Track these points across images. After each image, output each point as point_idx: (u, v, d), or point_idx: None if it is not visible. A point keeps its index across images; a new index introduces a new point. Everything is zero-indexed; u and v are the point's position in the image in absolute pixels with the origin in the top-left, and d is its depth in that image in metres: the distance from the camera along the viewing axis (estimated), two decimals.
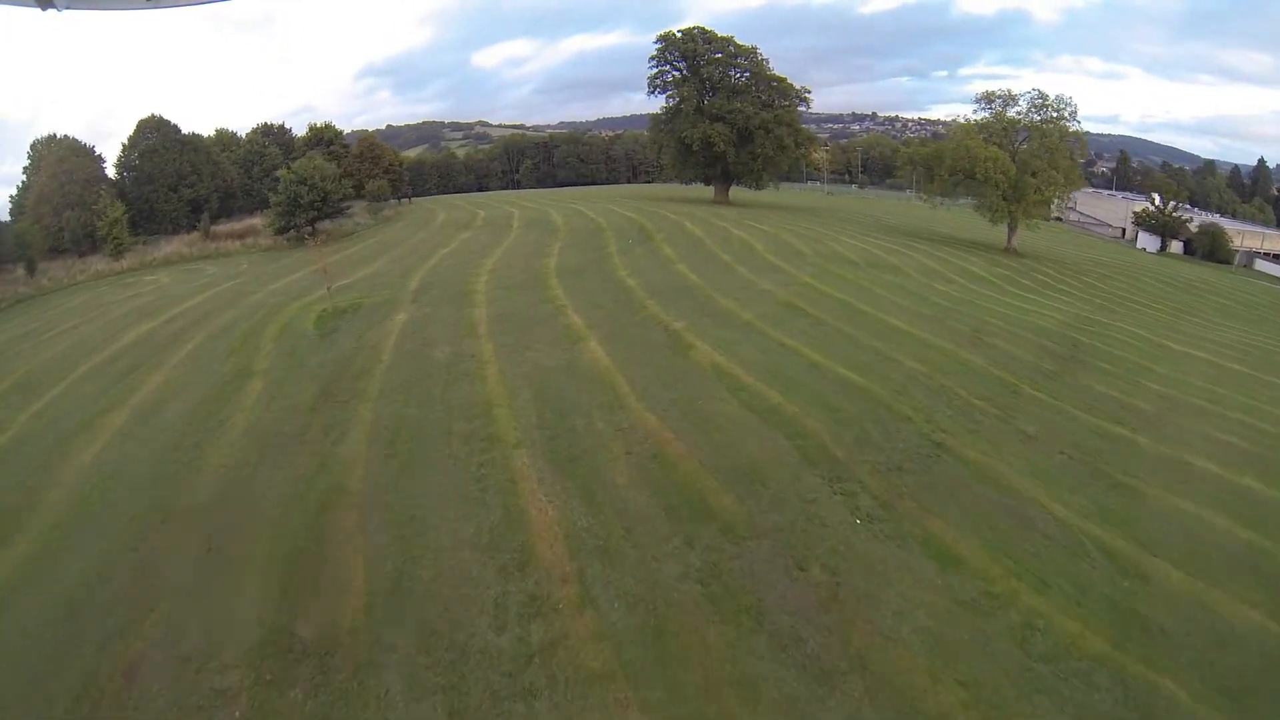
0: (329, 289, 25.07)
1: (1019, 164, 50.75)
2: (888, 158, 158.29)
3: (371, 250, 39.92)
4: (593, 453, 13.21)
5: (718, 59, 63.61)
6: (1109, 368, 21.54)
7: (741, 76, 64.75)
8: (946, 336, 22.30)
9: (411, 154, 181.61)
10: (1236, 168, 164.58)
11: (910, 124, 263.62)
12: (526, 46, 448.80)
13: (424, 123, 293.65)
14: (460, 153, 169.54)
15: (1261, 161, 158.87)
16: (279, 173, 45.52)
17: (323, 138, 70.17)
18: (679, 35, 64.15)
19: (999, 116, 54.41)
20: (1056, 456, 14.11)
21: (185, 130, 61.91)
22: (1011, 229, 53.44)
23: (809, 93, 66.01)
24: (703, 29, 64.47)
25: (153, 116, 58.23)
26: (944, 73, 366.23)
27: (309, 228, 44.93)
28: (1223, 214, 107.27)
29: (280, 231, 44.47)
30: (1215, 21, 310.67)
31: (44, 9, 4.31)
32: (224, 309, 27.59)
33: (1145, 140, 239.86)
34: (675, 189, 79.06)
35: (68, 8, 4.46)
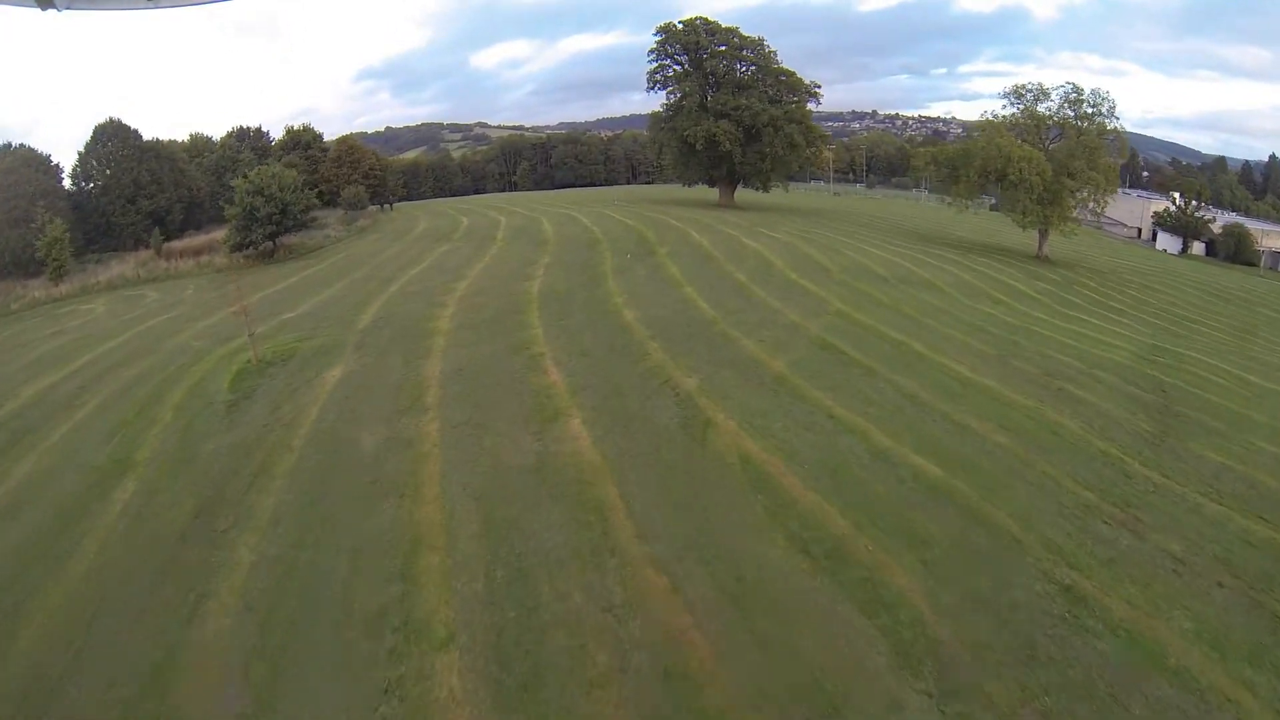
0: (249, 336, 19.70)
1: (1055, 165, 45.40)
2: (892, 156, 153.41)
3: (332, 270, 34.59)
4: (563, 666, 7.92)
5: (722, 51, 58.22)
6: (1210, 421, 16.70)
7: (747, 70, 59.31)
8: (1019, 385, 17.43)
9: (409, 156, 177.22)
10: (1247, 164, 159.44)
11: (911, 121, 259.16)
12: (525, 47, 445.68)
13: (423, 124, 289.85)
14: (456, 154, 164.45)
15: (1274, 157, 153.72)
16: (234, 182, 40.11)
17: (299, 141, 64.84)
18: (680, 26, 58.77)
19: (1029, 113, 49.17)
20: (1217, 593, 9.41)
21: (163, 136, 56.83)
22: (1043, 235, 48.44)
23: (819, 88, 60.58)
24: (705, 19, 59.09)
25: (110, 121, 52.94)
26: (943, 70, 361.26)
27: (269, 243, 39.60)
28: (1236, 211, 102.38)
29: (236, 249, 39.06)
30: (1214, 17, 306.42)
31: (44, 9, 4.52)
32: (138, 357, 22.68)
33: (1146, 136, 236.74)
34: (676, 190, 73.59)
35: (68, 8, 4.65)
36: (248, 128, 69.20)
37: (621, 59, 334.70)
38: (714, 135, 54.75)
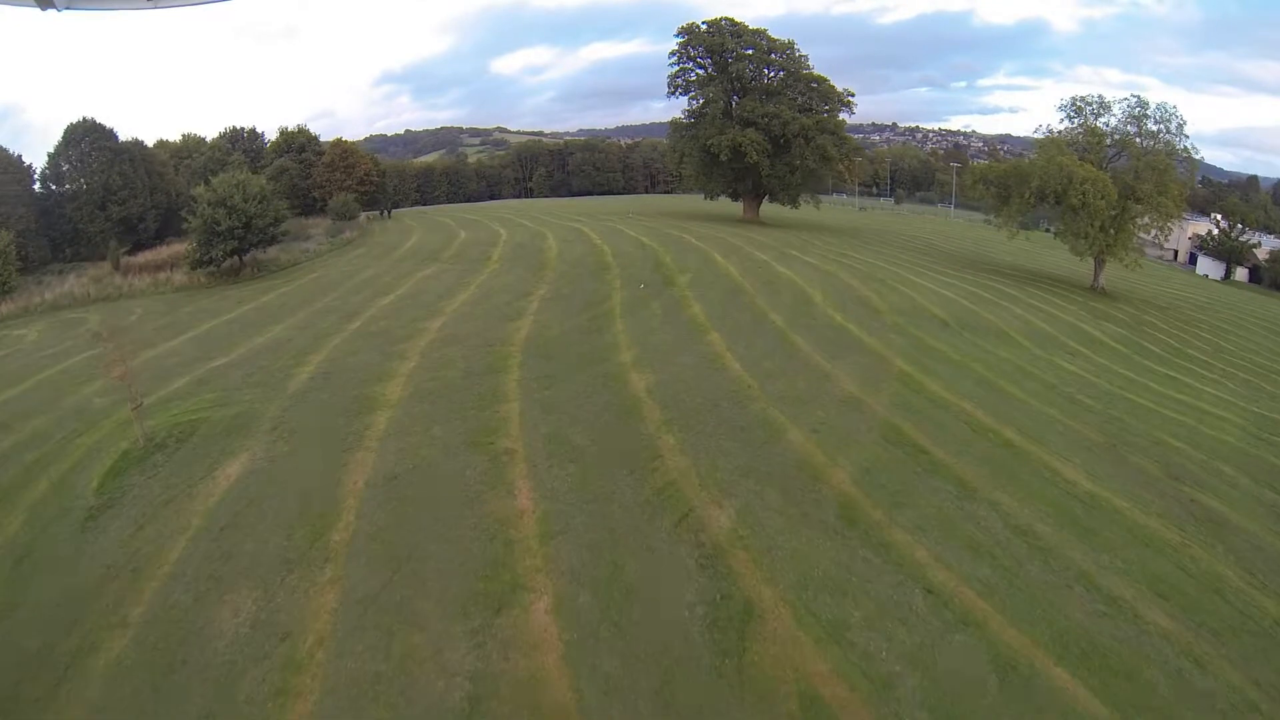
0: (135, 409, 14.70)
1: (1120, 187, 40.13)
2: (916, 170, 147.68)
3: (296, 295, 29.66)
4: None
5: (748, 55, 52.96)
6: None
7: (776, 76, 54.09)
8: (1149, 498, 13.08)
9: (428, 159, 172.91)
10: None
11: (931, 134, 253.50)
12: (546, 54, 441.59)
13: (442, 128, 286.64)
14: (473, 159, 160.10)
15: None
16: (195, 190, 35.22)
17: (293, 143, 60.19)
18: (703, 28, 53.67)
19: (1089, 129, 43.82)
20: None
21: (169, 137, 52.31)
22: (1099, 264, 43.16)
23: (852, 97, 55.19)
24: (731, 20, 53.99)
25: (84, 121, 48.35)
26: (963, 83, 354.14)
27: (235, 258, 34.79)
28: (1270, 233, 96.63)
29: (197, 265, 34.21)
30: (1234, 32, 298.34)
31: (44, 9, 4.45)
32: (29, 416, 18.14)
33: None
34: (696, 202, 68.42)
35: (68, 8, 4.58)
36: (241, 128, 64.73)
37: (642, 67, 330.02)
38: (740, 145, 49.58)
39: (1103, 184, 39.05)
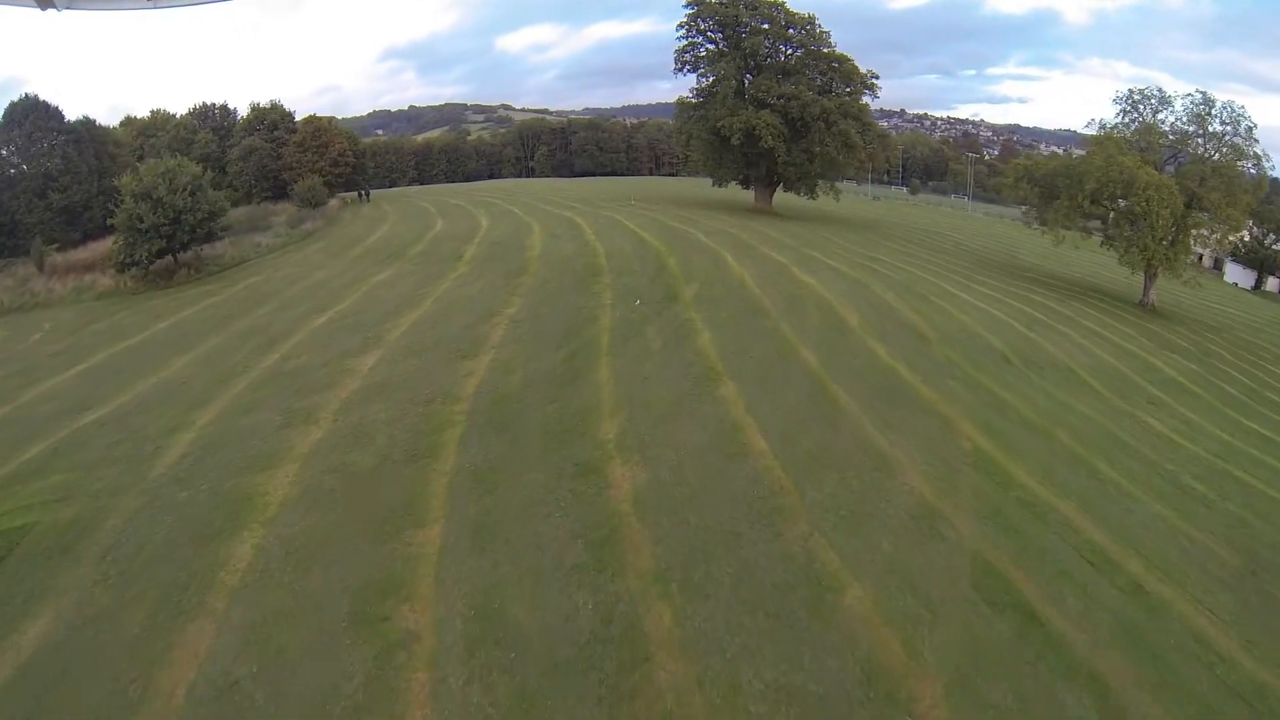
0: None
1: (1184, 194, 35.01)
2: (929, 158, 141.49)
3: (219, 311, 24.70)
4: None
5: (764, 30, 47.21)
6: None
7: (794, 53, 48.42)
8: None
9: (432, 135, 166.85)
10: None
11: (940, 122, 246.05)
12: (552, 32, 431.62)
13: (446, 105, 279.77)
14: (473, 137, 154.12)
15: None
16: (120, 180, 29.86)
17: (264, 120, 54.73)
18: None
19: (1147, 127, 38.57)
20: None
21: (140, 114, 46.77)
22: (1150, 278, 37.83)
23: (876, 79, 49.56)
24: None
25: (26, 98, 42.92)
26: (972, 71, 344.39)
27: (170, 258, 29.71)
28: None
29: (122, 268, 29.05)
30: (1247, 28, 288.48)
31: (44, 9, 4.49)
32: None
33: None
34: (703, 188, 62.89)
35: (68, 8, 4.63)
36: (211, 104, 59.26)
37: (649, 47, 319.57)
38: (754, 128, 44.10)
39: (1168, 190, 33.87)
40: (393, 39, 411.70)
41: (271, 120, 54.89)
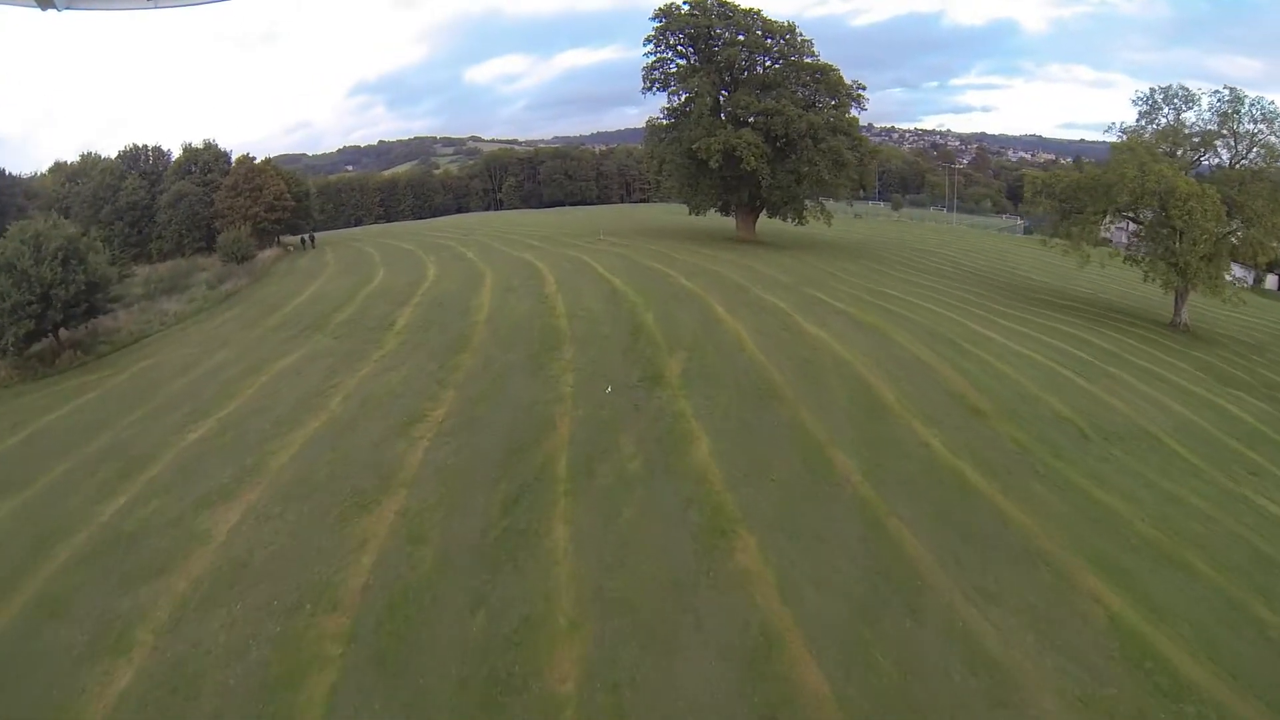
0: None
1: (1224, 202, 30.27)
2: (904, 170, 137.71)
3: (81, 421, 18.41)
4: None
5: (739, 42, 41.95)
6: None
7: (774, 65, 43.24)
8: None
9: (400, 170, 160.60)
10: None
11: (908, 134, 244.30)
12: (520, 62, 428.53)
13: (415, 139, 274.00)
14: (440, 171, 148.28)
15: None
16: None
17: (196, 161, 48.57)
18: (685, 8, 42.62)
19: (1171, 130, 33.70)
20: None
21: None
22: (1181, 297, 32.70)
23: (863, 90, 44.44)
24: None
25: None
26: (935, 83, 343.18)
27: (50, 339, 23.54)
28: None
29: None
30: (1202, 28, 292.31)
31: (44, 9, 4.37)
32: None
33: None
34: (678, 214, 57.43)
35: (68, 8, 4.50)
36: (142, 146, 52.91)
37: (616, 73, 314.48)
38: (733, 149, 38.67)
39: (1211, 201, 28.87)
40: (363, 73, 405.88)
41: (204, 162, 48.73)
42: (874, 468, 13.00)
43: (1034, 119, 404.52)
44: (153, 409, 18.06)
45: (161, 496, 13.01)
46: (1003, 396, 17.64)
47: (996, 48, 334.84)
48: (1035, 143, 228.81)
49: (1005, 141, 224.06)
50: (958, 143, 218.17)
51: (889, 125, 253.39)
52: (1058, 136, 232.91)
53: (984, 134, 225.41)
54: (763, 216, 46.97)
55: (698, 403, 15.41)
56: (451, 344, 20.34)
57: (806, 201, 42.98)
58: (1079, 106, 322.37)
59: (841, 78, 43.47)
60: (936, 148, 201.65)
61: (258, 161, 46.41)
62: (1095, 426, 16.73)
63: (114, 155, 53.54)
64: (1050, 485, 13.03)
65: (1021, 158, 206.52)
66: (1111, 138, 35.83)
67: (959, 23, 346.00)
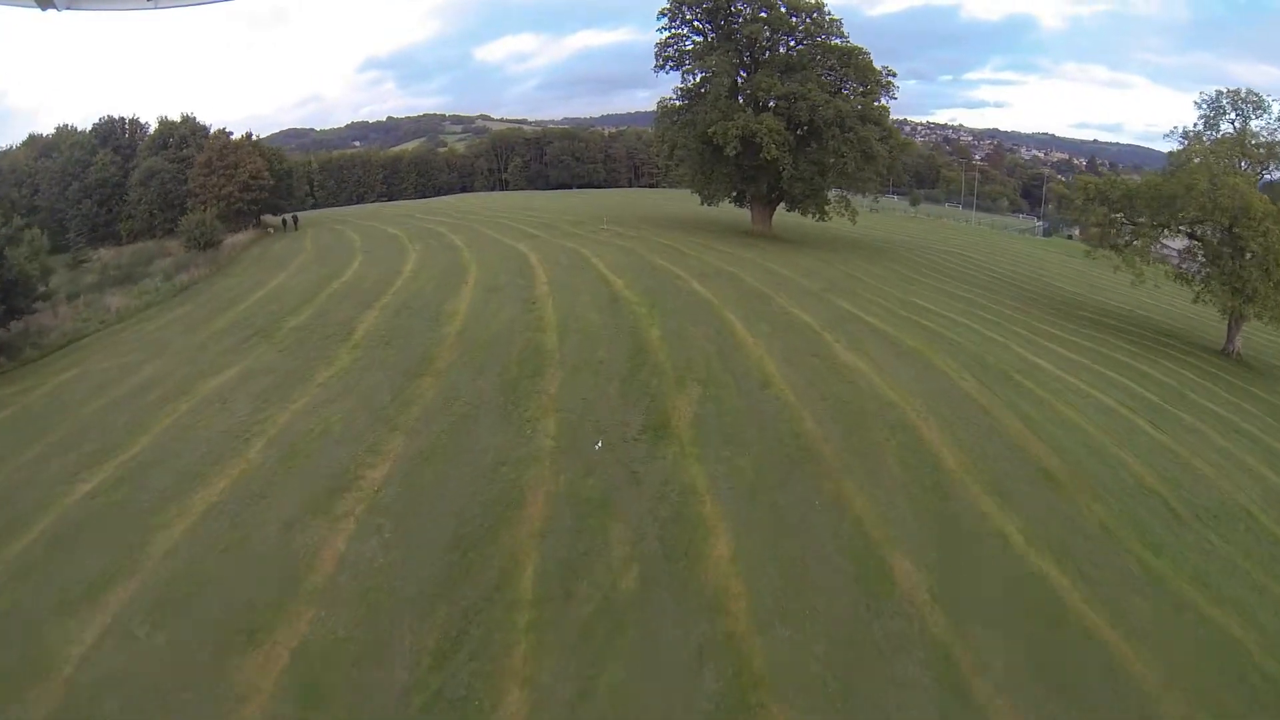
0: None
1: None
2: (919, 164, 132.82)
3: None
4: None
5: (762, 19, 37.76)
6: None
7: (800, 44, 39.13)
8: None
9: (407, 147, 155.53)
10: None
11: (920, 128, 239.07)
12: (531, 42, 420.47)
13: (424, 115, 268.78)
14: (444, 149, 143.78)
15: None
16: None
17: (171, 137, 44.69)
18: None
19: (1235, 138, 29.99)
20: None
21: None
22: (1236, 324, 29.10)
23: (893, 77, 40.33)
24: None
25: None
26: (949, 77, 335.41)
27: None
28: None
29: None
30: (1220, 31, 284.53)
31: (44, 9, 4.25)
32: None
33: (1151, 149, 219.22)
34: (687, 201, 53.44)
35: (68, 8, 4.38)
36: (117, 119, 48.95)
37: (628, 56, 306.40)
38: (753, 134, 34.67)
39: None
40: (373, 49, 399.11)
41: (180, 136, 44.78)
42: (945, 583, 9.39)
43: (1047, 117, 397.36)
44: (54, 443, 14.40)
45: (16, 589, 9.49)
46: (1075, 455, 13.99)
47: (1012, 43, 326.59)
48: (1048, 141, 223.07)
49: (1017, 138, 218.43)
50: (970, 138, 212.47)
51: (901, 117, 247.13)
52: (1071, 136, 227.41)
53: (996, 130, 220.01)
54: (779, 209, 43.04)
55: (714, 469, 11.71)
56: (413, 364, 16.62)
57: (830, 195, 38.98)
58: (1093, 106, 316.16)
59: (871, 62, 39.32)
60: (949, 142, 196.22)
61: (235, 137, 42.40)
62: (1185, 501, 13.14)
63: (89, 128, 49.78)
64: (1153, 598, 9.54)
65: (1035, 156, 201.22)
66: (1172, 144, 31.85)
67: (976, 16, 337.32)
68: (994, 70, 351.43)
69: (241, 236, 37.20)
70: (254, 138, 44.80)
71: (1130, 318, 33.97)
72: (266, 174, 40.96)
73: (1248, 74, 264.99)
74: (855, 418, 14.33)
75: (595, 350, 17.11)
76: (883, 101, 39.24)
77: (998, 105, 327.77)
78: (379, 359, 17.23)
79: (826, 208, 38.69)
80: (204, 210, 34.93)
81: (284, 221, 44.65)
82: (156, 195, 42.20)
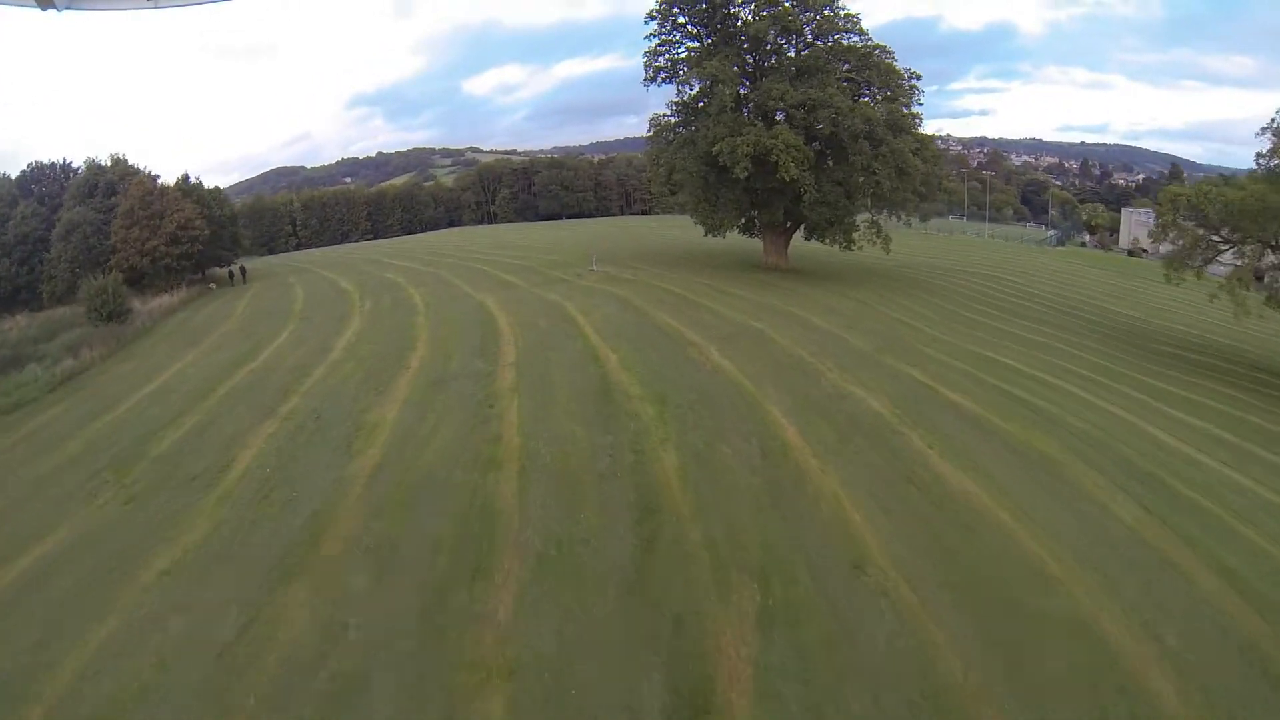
0: None
1: None
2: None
3: None
4: None
5: (764, 17, 31.56)
6: None
7: (812, 43, 32.96)
8: None
9: (395, 182, 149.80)
10: None
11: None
12: (519, 72, 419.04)
13: (414, 150, 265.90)
14: (431, 183, 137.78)
15: None
16: None
17: (99, 182, 38.32)
18: None
19: None
20: None
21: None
22: None
23: (918, 79, 34.14)
24: None
25: None
26: (933, 88, 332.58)
27: None
28: None
29: None
30: (1196, 27, 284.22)
31: (44, 9, 4.16)
32: None
33: (1138, 148, 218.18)
34: (685, 229, 47.19)
35: (68, 8, 4.27)
36: (46, 164, 42.76)
37: (615, 82, 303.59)
38: (768, 152, 28.31)
39: None
40: (361, 85, 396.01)
41: (108, 183, 38.44)
42: None
43: (1033, 122, 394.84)
44: None
45: None
46: None
47: (993, 51, 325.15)
48: (1036, 145, 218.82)
49: (1005, 145, 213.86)
50: (959, 147, 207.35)
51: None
52: (1057, 139, 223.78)
53: (984, 138, 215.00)
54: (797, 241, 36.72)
55: None
56: (291, 544, 10.05)
57: (859, 220, 32.60)
58: (1076, 108, 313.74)
59: (894, 64, 33.16)
60: (941, 153, 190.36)
61: (161, 182, 36.01)
62: None
63: (15, 174, 43.48)
64: None
65: (1025, 161, 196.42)
66: (1265, 142, 25.58)
67: (956, 27, 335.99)
68: (977, 79, 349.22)
69: (167, 299, 30.67)
70: (192, 180, 38.39)
71: (1214, 348, 27.87)
72: (200, 223, 34.48)
73: (1225, 66, 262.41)
74: (1009, 625, 7.85)
75: (578, 511, 10.53)
76: (912, 109, 32.96)
77: (983, 113, 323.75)
78: (244, 533, 10.63)
79: (855, 235, 32.20)
80: (109, 275, 28.32)
81: (230, 274, 38.25)
82: (78, 251, 35.78)
